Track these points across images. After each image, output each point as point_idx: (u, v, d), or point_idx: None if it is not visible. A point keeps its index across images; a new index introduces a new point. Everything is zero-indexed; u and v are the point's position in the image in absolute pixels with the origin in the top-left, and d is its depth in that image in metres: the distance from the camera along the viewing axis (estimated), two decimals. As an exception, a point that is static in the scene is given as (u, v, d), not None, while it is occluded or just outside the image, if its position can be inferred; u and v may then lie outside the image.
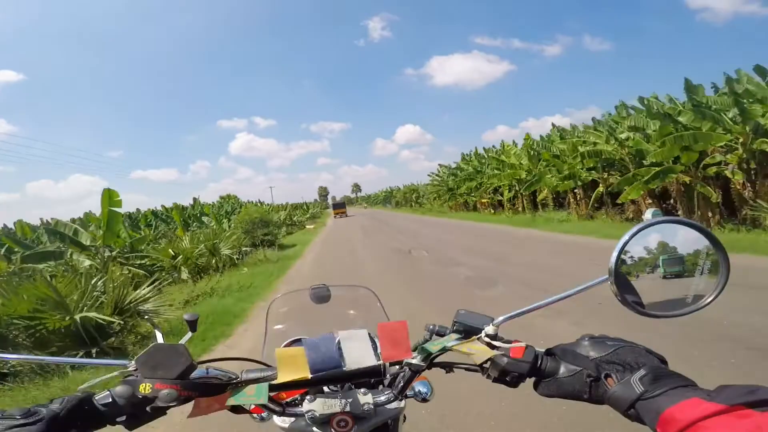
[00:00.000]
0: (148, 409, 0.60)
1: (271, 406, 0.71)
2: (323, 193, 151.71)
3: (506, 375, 0.62)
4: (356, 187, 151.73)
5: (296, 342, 0.93)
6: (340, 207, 47.52)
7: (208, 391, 0.63)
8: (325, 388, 0.78)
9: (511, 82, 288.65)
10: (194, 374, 0.64)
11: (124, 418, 0.60)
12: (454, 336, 0.70)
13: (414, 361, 0.68)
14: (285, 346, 0.90)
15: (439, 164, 34.81)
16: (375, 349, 0.71)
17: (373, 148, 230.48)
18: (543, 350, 0.63)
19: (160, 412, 0.61)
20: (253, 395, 0.63)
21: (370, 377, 0.70)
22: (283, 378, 0.65)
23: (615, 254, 0.57)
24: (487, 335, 0.64)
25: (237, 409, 0.67)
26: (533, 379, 0.62)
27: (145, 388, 0.58)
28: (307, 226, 30.09)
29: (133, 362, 0.64)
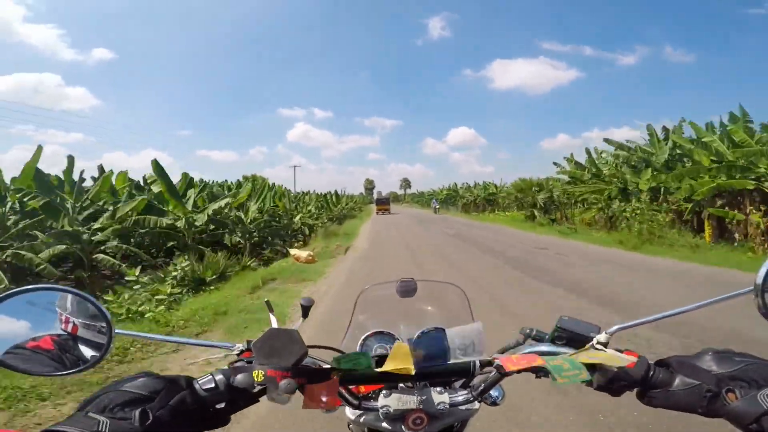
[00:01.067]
0: (250, 393, 0.59)
1: (349, 398, 0.72)
2: (369, 186, 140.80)
3: (612, 383, 0.60)
4: (405, 183, 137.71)
5: (377, 334, 0.94)
6: (383, 203, 45.51)
7: (317, 377, 0.62)
8: (401, 384, 0.77)
9: (577, 91, 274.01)
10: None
11: (223, 404, 0.59)
12: (557, 344, 0.68)
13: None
14: (366, 337, 0.92)
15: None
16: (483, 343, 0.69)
17: (423, 148, 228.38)
18: (653, 361, 0.60)
19: (255, 399, 0.61)
20: (362, 366, 0.64)
21: (465, 375, 0.69)
22: (388, 367, 0.64)
23: (764, 270, 0.55)
24: (599, 343, 0.62)
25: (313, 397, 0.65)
26: (637, 388, 0.59)
27: (258, 376, 0.57)
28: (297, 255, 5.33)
29: (238, 345, 0.65)
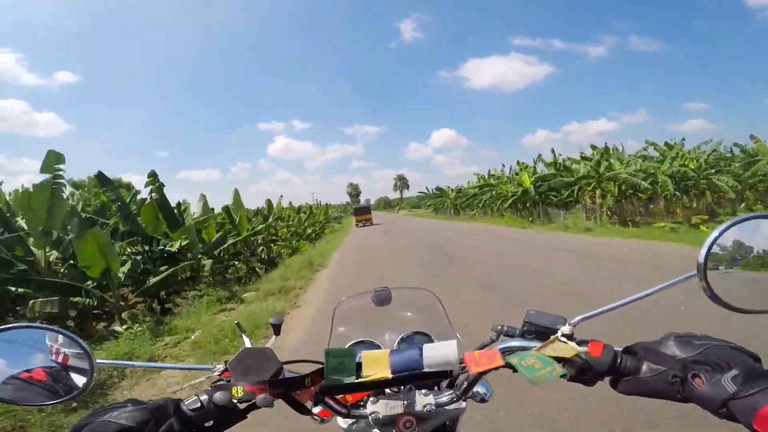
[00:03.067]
0: (235, 410, 0.61)
1: (337, 407, 0.74)
2: (354, 192, 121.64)
3: (584, 374, 0.62)
4: (401, 182, 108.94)
5: (359, 344, 0.95)
6: (363, 212, 38.23)
7: (294, 386, 0.64)
8: (387, 390, 0.79)
9: (552, 85, 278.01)
10: None
11: (211, 423, 0.61)
12: (527, 337, 0.70)
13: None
14: (350, 346, 0.93)
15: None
16: (457, 351, 0.71)
17: (407, 152, 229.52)
18: (621, 348, 0.62)
19: (242, 416, 0.63)
20: (343, 374, 0.65)
21: (442, 378, 0.72)
22: (366, 376, 0.66)
23: (704, 249, 0.56)
24: (563, 335, 0.64)
25: (302, 409, 0.68)
26: (609, 377, 0.61)
27: (237, 392, 0.59)
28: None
29: (218, 367, 0.67)
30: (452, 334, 0.96)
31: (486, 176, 32.95)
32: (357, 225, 35.63)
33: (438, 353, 0.66)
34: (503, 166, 31.05)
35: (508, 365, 0.63)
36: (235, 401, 0.60)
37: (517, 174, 26.46)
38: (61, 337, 0.65)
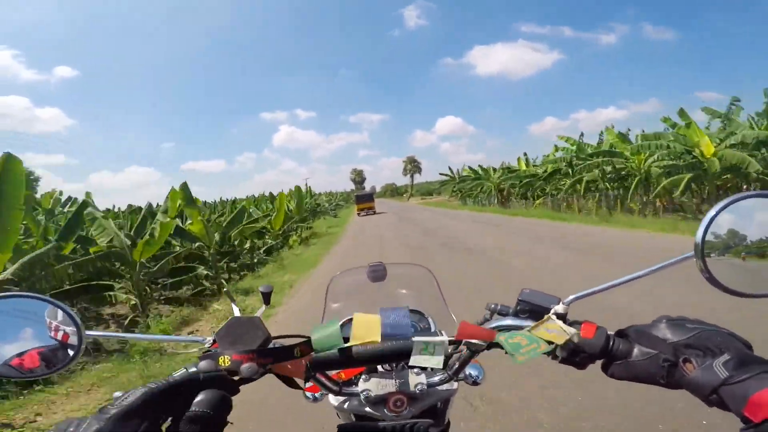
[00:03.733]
0: (225, 381, 0.58)
1: (329, 384, 0.74)
2: (358, 178, 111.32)
3: (575, 356, 0.61)
4: (412, 165, 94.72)
5: (352, 320, 0.96)
6: (365, 200, 36.27)
7: (282, 356, 0.63)
8: (380, 368, 0.79)
9: (560, 73, 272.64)
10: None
11: None
12: (521, 317, 0.70)
13: (474, 341, 0.66)
14: (343, 323, 0.94)
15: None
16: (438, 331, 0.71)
17: (413, 140, 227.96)
18: (614, 332, 0.62)
19: (236, 389, 0.61)
20: (331, 340, 0.65)
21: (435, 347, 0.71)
22: (355, 340, 0.66)
23: (701, 229, 0.54)
24: (556, 314, 0.63)
25: (293, 384, 0.67)
26: (601, 360, 0.60)
27: (224, 361, 0.58)
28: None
29: (208, 339, 0.66)
30: (447, 314, 0.96)
31: (567, 148, 20.24)
32: (359, 214, 33.74)
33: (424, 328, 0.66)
34: (582, 135, 20.38)
35: (496, 344, 0.63)
36: (221, 370, 0.58)
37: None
38: (60, 313, 0.64)
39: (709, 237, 0.55)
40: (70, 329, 0.63)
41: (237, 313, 0.76)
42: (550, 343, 0.61)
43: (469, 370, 0.82)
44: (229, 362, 0.58)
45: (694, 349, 0.52)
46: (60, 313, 0.64)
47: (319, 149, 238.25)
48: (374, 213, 33.12)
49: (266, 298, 0.88)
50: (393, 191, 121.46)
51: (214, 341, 0.64)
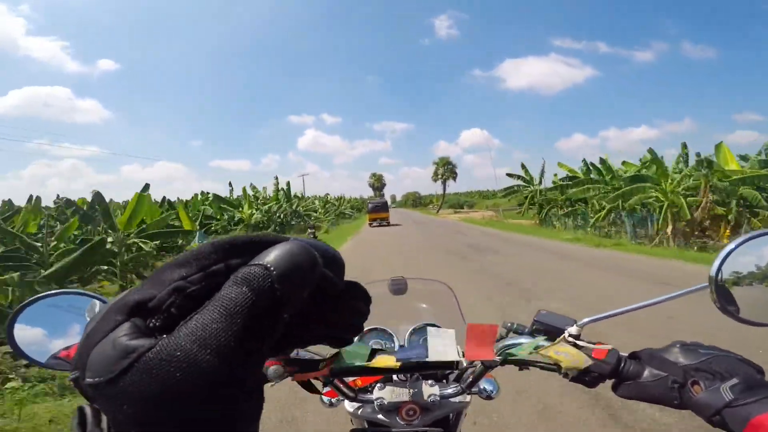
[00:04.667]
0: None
1: (345, 390, 0.77)
2: (377, 184, 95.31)
3: (586, 375, 0.63)
4: (445, 169, 65.45)
5: (371, 331, 0.98)
6: (379, 209, 31.40)
7: (308, 367, 0.66)
8: (395, 378, 0.81)
9: (592, 89, 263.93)
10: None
11: None
12: (538, 337, 0.71)
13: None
14: (362, 334, 0.96)
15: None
16: (457, 346, 0.74)
17: (436, 151, 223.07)
18: (626, 354, 0.63)
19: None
20: (357, 360, 0.67)
21: (447, 368, 0.72)
22: (375, 363, 0.68)
23: (717, 263, 0.57)
24: (570, 335, 0.65)
25: (311, 388, 0.70)
26: (612, 380, 0.62)
27: None
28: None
29: None
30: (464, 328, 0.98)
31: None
32: (371, 224, 29.28)
33: (439, 342, 0.68)
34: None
35: (504, 361, 0.66)
36: None
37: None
38: (98, 304, 0.68)
39: (726, 271, 0.57)
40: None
41: None
42: (556, 364, 0.63)
43: (484, 385, 0.83)
44: None
45: (703, 372, 0.53)
46: (98, 305, 0.68)
47: (342, 155, 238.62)
48: (388, 224, 29.12)
49: None
50: (416, 201, 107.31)
51: None
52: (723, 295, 0.57)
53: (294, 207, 25.64)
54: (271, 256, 0.21)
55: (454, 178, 65.96)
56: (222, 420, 0.20)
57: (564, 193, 18.52)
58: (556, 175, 21.43)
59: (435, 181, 67.04)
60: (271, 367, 0.62)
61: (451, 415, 0.82)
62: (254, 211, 19.33)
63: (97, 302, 0.68)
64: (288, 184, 25.83)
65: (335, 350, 0.70)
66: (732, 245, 0.57)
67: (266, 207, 21.33)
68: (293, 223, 21.80)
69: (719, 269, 0.56)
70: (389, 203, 36.05)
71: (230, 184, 24.24)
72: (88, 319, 0.67)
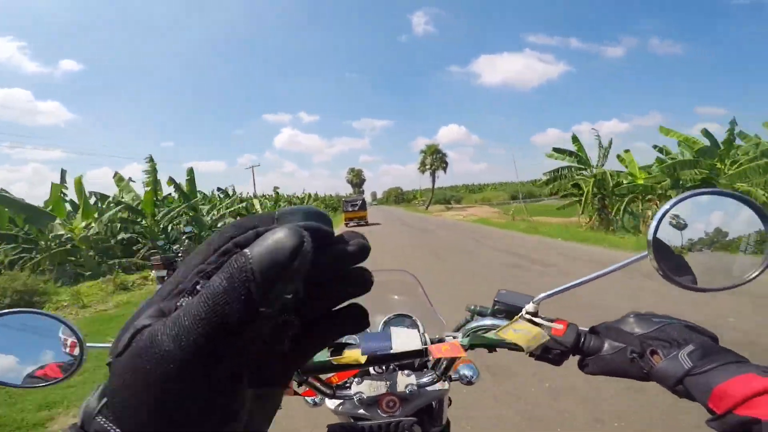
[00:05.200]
0: None
1: (323, 388, 0.77)
2: (356, 179, 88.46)
3: (549, 353, 0.64)
4: (434, 158, 55.03)
5: None
6: (355, 208, 27.77)
7: None
8: (372, 370, 0.82)
9: (565, 84, 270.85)
10: None
11: None
12: (498, 317, 0.72)
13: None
14: None
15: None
16: (420, 333, 0.74)
17: (415, 147, 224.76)
18: (587, 328, 0.64)
19: None
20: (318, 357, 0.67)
21: (414, 358, 0.73)
22: (341, 359, 0.67)
23: (653, 226, 0.55)
24: (528, 313, 0.66)
25: (288, 390, 0.71)
26: (577, 357, 0.63)
27: None
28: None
29: None
30: (435, 316, 0.99)
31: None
32: (347, 224, 26.10)
33: (403, 340, 0.68)
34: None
35: (471, 346, 0.67)
36: None
37: None
38: (67, 328, 0.69)
39: (678, 227, 0.56)
40: (72, 340, 0.68)
41: None
42: (515, 344, 0.63)
43: (463, 371, 0.84)
44: None
45: (660, 341, 0.54)
46: (62, 326, 0.69)
47: (321, 153, 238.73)
48: (366, 224, 25.74)
49: None
50: (399, 197, 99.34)
51: None
52: (664, 261, 0.55)
53: (212, 209, 16.82)
54: (256, 245, 0.20)
55: (444, 169, 55.76)
56: (187, 420, 0.19)
57: (676, 174, 11.43)
58: (623, 156, 13.65)
59: (422, 172, 56.46)
60: None
61: (434, 403, 0.82)
62: (93, 223, 10.71)
63: (62, 324, 0.69)
64: (191, 172, 15.24)
65: None
66: (666, 206, 0.55)
67: (114, 215, 11.52)
68: (202, 234, 12.73)
69: (655, 234, 0.55)
70: (370, 201, 33.08)
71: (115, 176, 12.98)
72: (63, 340, 0.68)
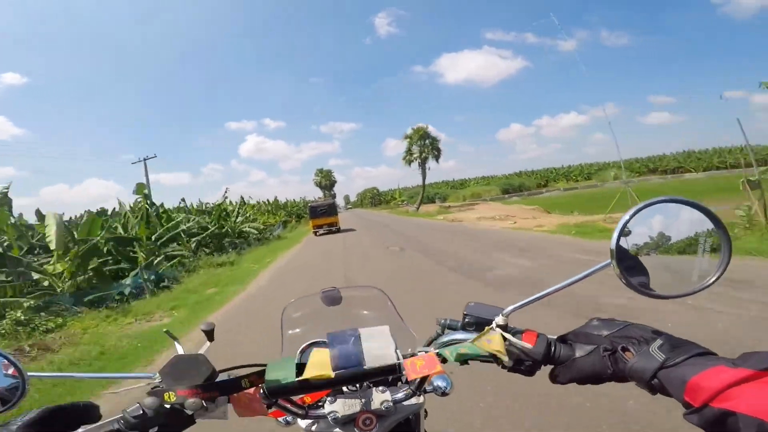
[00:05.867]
0: (181, 415, 0.62)
1: (294, 409, 0.75)
2: (325, 181, 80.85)
3: (521, 364, 0.64)
4: (424, 144, 41.66)
5: (316, 344, 0.94)
6: (324, 213, 24.93)
7: (230, 388, 0.64)
8: (345, 389, 0.80)
9: (525, 79, 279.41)
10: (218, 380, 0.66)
11: (156, 428, 0.63)
12: (468, 329, 0.72)
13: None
14: (302, 350, 0.93)
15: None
16: (394, 346, 0.72)
17: (385, 149, 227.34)
18: (555, 337, 0.64)
19: (191, 421, 0.64)
20: (281, 376, 0.66)
21: (388, 374, 0.73)
22: (308, 374, 0.66)
23: (615, 235, 0.57)
24: (498, 326, 0.65)
25: (256, 413, 0.68)
26: (549, 367, 0.63)
27: (169, 397, 0.60)
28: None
29: (158, 374, 0.66)
30: (407, 330, 0.98)
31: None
32: (315, 233, 23.89)
33: (375, 345, 0.68)
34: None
35: (444, 359, 0.66)
36: (167, 406, 0.61)
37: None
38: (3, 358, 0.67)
39: (637, 236, 0.58)
40: (12, 370, 0.67)
41: (180, 351, 0.76)
42: (492, 354, 0.63)
43: (437, 382, 0.82)
44: (174, 397, 0.60)
45: (628, 338, 0.55)
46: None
47: (289, 160, 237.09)
48: (338, 230, 23.60)
49: (209, 335, 0.88)
50: (375, 198, 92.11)
51: None
52: (627, 269, 0.57)
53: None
54: None
55: (437, 157, 43.02)
56: None
57: None
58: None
59: (409, 163, 43.16)
60: (189, 400, 0.60)
61: (411, 417, 0.81)
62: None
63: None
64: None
65: (258, 368, 0.68)
66: (626, 216, 0.57)
67: None
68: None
69: (618, 242, 0.56)
70: (342, 204, 29.77)
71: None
72: (5, 366, 0.67)
